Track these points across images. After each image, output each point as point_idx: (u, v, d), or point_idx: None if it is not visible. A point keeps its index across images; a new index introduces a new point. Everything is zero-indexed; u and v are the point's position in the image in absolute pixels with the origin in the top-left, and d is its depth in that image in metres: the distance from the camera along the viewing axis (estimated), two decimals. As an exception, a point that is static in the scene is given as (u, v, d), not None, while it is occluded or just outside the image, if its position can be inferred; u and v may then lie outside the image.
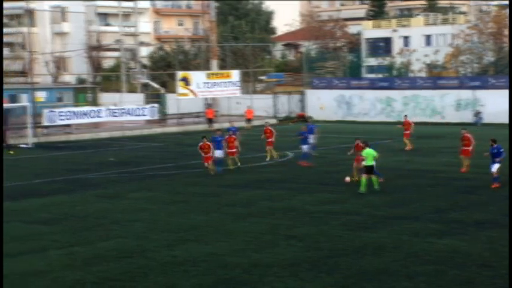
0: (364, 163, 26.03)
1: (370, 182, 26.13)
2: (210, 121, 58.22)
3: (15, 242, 19.96)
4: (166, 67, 77.98)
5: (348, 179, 27.88)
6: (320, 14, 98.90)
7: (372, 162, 25.85)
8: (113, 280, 16.16)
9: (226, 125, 45.23)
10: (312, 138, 36.18)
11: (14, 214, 23.85)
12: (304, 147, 34.04)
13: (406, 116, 43.19)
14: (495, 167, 26.52)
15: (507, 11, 65.92)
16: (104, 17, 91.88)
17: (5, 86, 65.73)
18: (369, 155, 25.89)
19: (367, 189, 25.78)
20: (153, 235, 20.45)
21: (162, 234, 20.56)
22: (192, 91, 59.56)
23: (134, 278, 16.29)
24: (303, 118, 62.89)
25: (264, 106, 64.24)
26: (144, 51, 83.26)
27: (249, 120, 58.19)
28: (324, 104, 63.85)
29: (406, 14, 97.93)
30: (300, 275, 16.16)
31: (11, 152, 41.51)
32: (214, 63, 66.93)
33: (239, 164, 33.08)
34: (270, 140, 35.95)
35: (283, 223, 21.56)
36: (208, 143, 31.77)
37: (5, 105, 54.60)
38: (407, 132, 40.28)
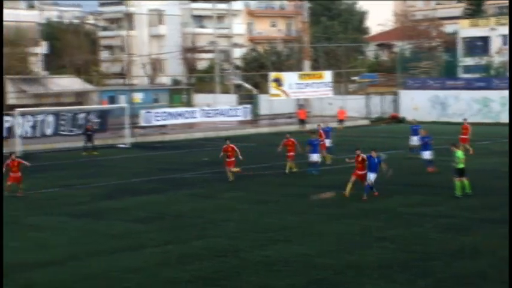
0: (456, 166, 25.48)
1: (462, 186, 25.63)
2: (302, 122, 58.29)
3: (115, 239, 20.65)
4: (259, 68, 78.53)
5: (326, 194, 26.40)
6: (415, 13, 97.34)
7: (463, 165, 25.32)
8: (206, 279, 16.50)
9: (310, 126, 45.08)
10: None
11: (113, 212, 24.66)
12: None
13: (465, 119, 40.95)
14: (372, 176, 25.55)
15: None
16: (199, 19, 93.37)
17: (104, 88, 67.93)
18: (460, 158, 25.39)
19: (461, 192, 25.30)
20: (245, 235, 20.73)
21: (254, 234, 20.81)
22: (284, 92, 59.79)
23: (227, 277, 16.58)
24: (396, 119, 62.10)
25: (356, 107, 63.83)
26: (237, 53, 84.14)
27: (341, 121, 57.96)
28: (417, 104, 62.82)
29: (505, 12, 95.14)
30: (392, 277, 16.07)
31: (95, 153, 42.57)
32: (307, 64, 66.98)
33: (294, 169, 32.27)
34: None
35: (375, 225, 21.44)
36: (232, 145, 30.80)
37: (104, 106, 56.41)
38: (465, 137, 37.88)
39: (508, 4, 79.36)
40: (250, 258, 18.15)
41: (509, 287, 15.08)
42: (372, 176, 25.46)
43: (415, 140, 35.88)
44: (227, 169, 30.80)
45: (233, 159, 30.65)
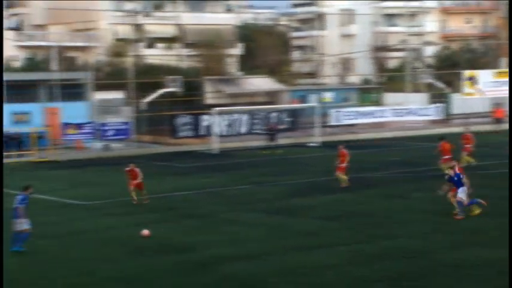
0: None
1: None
2: (498, 121, 56.12)
3: (307, 236, 21.16)
4: (451, 66, 76.38)
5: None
6: None
7: None
8: (394, 280, 16.51)
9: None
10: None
11: (305, 210, 25.24)
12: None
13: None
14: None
15: None
16: (390, 17, 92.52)
17: (295, 87, 69.31)
18: None
19: None
20: (434, 236, 20.44)
21: (446, 235, 20.47)
22: (479, 90, 57.79)
23: (418, 279, 16.49)
24: None
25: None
26: (429, 51, 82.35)
27: (497, 120, 55.34)
28: None
29: None
30: None
31: (279, 152, 43.35)
32: (504, 61, 64.20)
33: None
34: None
35: None
36: (344, 150, 29.89)
37: (295, 105, 57.59)
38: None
39: None
40: (440, 260, 17.90)
41: (509, 287, 14.34)
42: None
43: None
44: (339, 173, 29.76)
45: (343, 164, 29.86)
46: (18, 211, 19.76)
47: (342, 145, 30.68)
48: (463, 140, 35.27)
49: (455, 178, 22.88)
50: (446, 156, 30.99)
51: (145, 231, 21.26)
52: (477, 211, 23.10)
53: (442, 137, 33.22)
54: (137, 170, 27.19)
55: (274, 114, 49.37)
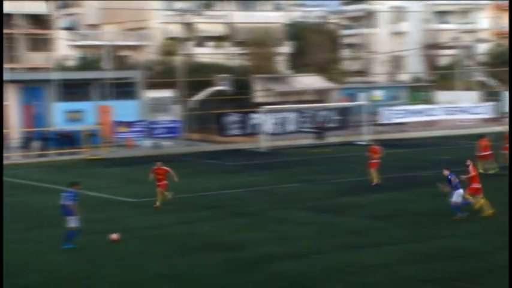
0: None
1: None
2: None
3: (355, 235, 21.10)
4: (504, 64, 75.06)
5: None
6: None
7: None
8: (445, 280, 16.34)
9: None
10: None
11: (353, 208, 25.15)
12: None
13: (482, 135, 34.76)
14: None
15: None
16: (442, 14, 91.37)
17: (344, 86, 69.07)
18: None
19: None
20: (487, 236, 20.17)
21: (501, 236, 20.12)
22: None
23: (468, 280, 16.28)
24: None
25: None
26: (481, 48, 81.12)
27: None
28: None
29: None
30: None
31: (327, 150, 43.17)
32: (559, 58, 62.78)
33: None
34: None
35: None
36: (376, 147, 30.16)
37: (344, 103, 57.39)
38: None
39: None
40: (493, 261, 17.66)
41: (509, 287, 14.09)
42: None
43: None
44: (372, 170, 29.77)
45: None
46: (67, 208, 20.04)
47: (375, 143, 31.12)
48: (503, 140, 34.71)
49: (448, 177, 22.54)
50: (483, 153, 31.34)
51: (114, 236, 20.66)
52: (490, 211, 22.70)
53: (481, 135, 33.06)
54: (166, 168, 26.18)
55: (323, 113, 49.25)
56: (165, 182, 26.02)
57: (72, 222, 20.07)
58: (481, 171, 30.84)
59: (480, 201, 23.02)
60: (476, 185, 23.05)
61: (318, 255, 18.80)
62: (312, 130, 46.88)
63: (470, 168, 23.29)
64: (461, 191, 22.55)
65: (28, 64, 66.04)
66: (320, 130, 44.93)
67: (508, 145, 34.11)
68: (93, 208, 26.31)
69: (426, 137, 50.65)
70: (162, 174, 26.00)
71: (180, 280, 16.99)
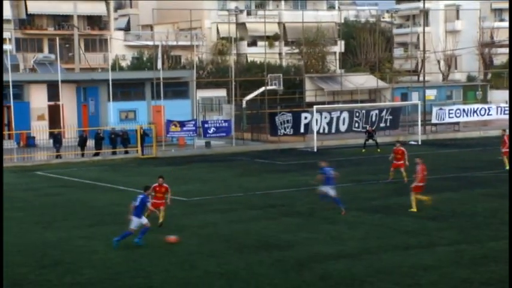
0: None
1: None
2: None
3: (407, 235, 20.91)
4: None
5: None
6: None
7: None
8: (501, 282, 16.07)
9: None
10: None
11: (404, 209, 24.89)
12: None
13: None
14: None
15: None
16: (499, 12, 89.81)
17: (397, 85, 68.45)
18: None
19: None
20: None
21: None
22: None
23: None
24: None
25: None
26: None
27: None
28: None
29: None
30: None
31: (379, 150, 42.65)
32: None
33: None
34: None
35: None
36: (401, 148, 30.23)
37: (397, 103, 56.85)
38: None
39: None
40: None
41: (509, 287, 13.79)
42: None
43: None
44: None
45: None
46: (136, 210, 20.17)
47: (400, 143, 31.55)
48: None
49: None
50: (505, 149, 31.82)
51: (171, 238, 20.33)
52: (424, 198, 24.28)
53: (504, 129, 32.94)
54: (165, 186, 22.85)
55: (375, 112, 48.85)
56: (163, 201, 22.83)
57: (133, 224, 20.09)
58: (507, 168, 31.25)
59: (422, 198, 24.40)
60: (419, 184, 24.44)
61: (368, 255, 18.69)
62: (363, 132, 46.49)
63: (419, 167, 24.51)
64: None
65: (84, 64, 67.26)
66: (370, 134, 44.55)
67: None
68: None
69: (479, 137, 49.80)
70: (163, 192, 22.81)
71: (231, 278, 17.09)
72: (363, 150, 43.16)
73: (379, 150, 42.62)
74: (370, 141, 44.08)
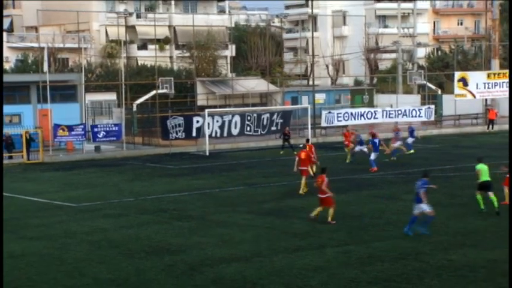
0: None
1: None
2: (491, 123, 56.39)
3: (297, 238, 21.15)
4: (443, 68, 76.58)
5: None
6: None
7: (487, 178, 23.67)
8: (387, 281, 16.53)
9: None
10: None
11: (295, 211, 25.21)
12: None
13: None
14: None
15: None
16: (383, 19, 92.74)
17: (288, 89, 69.40)
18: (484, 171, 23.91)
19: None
20: (428, 237, 20.46)
21: (438, 237, 20.50)
22: (470, 92, 57.97)
23: (409, 280, 16.51)
24: None
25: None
26: (421, 52, 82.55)
27: (491, 121, 56.13)
28: None
29: None
30: None
31: (281, 152, 43.29)
32: (496, 62, 64.35)
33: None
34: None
35: None
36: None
37: (288, 106, 57.59)
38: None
39: None
40: (432, 261, 17.93)
41: (509, 287, 14.56)
42: None
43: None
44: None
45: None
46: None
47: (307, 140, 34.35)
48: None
49: None
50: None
51: None
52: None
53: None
54: None
55: (266, 116, 49.30)
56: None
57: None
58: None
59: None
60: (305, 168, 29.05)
61: (259, 258, 18.78)
62: (279, 135, 46.78)
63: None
64: None
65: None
66: (286, 137, 44.84)
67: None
68: (32, 213, 25.80)
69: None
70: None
71: (123, 284, 16.78)
72: (281, 152, 43.51)
73: (295, 152, 43.25)
74: (286, 143, 44.45)
